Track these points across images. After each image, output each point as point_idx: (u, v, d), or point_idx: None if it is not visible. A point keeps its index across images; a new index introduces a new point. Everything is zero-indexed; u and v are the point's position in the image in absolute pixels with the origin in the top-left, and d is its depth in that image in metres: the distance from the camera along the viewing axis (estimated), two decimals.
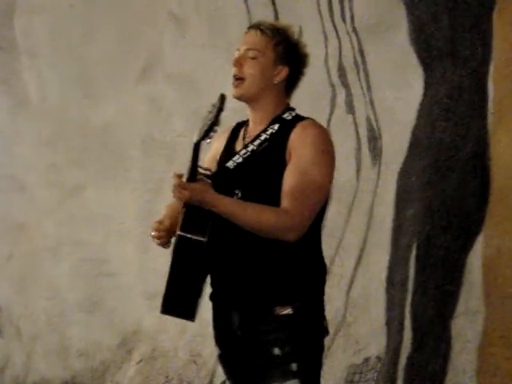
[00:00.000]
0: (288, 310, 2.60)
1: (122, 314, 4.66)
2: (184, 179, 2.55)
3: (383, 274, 3.69)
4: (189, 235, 2.52)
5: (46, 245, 4.91)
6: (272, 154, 2.62)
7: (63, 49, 4.76)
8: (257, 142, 2.66)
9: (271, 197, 2.59)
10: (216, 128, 2.56)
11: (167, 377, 4.45)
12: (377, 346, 3.63)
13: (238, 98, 2.71)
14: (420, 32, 3.63)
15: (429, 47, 3.60)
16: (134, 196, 4.65)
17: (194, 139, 2.54)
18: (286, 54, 2.67)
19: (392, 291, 3.64)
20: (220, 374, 4.20)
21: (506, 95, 3.40)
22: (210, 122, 2.53)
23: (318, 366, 2.67)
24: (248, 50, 2.68)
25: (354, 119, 3.92)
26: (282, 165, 2.60)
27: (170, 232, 2.67)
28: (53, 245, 4.88)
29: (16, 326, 4.99)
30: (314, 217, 2.61)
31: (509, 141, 3.38)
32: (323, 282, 2.70)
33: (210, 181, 2.56)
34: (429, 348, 3.37)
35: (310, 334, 2.63)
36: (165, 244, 2.71)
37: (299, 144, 2.60)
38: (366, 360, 3.66)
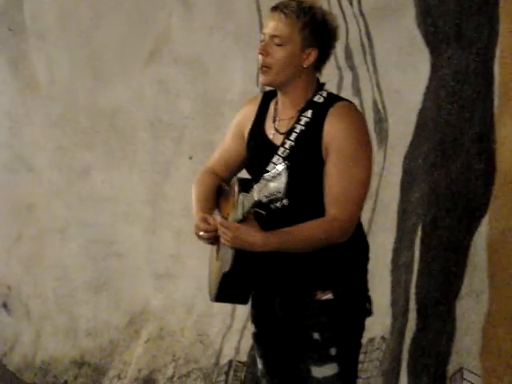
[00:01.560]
0: (329, 296, 2.58)
1: (129, 295, 4.70)
2: (232, 218, 2.49)
3: (388, 256, 3.71)
4: (243, 265, 2.49)
5: (55, 226, 4.94)
6: (309, 150, 2.53)
7: (72, 31, 4.78)
8: (293, 137, 2.56)
9: (315, 203, 2.53)
10: (282, 201, 2.48)
11: (174, 356, 4.49)
12: (382, 326, 3.66)
13: (266, 85, 2.62)
14: (427, 15, 3.63)
15: (435, 30, 3.60)
16: (141, 178, 4.68)
17: (257, 197, 2.37)
18: (314, 35, 2.56)
19: (397, 273, 3.66)
20: (226, 353, 4.24)
21: None
22: (278, 195, 2.34)
23: (356, 349, 2.66)
24: (273, 36, 2.56)
25: (361, 102, 3.93)
26: (320, 162, 2.52)
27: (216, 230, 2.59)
28: (61, 226, 4.92)
29: (25, 305, 5.03)
30: (361, 212, 2.57)
31: None
32: (366, 261, 2.66)
33: (263, 212, 2.47)
34: (433, 329, 3.39)
35: (349, 320, 2.61)
36: (214, 243, 2.65)
37: (336, 138, 2.50)
38: (371, 340, 3.69)
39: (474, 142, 3.47)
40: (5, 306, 5.10)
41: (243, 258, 2.50)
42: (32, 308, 5.01)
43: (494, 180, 3.37)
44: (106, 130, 4.77)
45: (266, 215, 2.49)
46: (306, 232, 2.50)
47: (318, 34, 2.57)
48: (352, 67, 3.95)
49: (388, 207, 3.80)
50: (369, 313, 2.67)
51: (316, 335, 2.58)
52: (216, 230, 2.57)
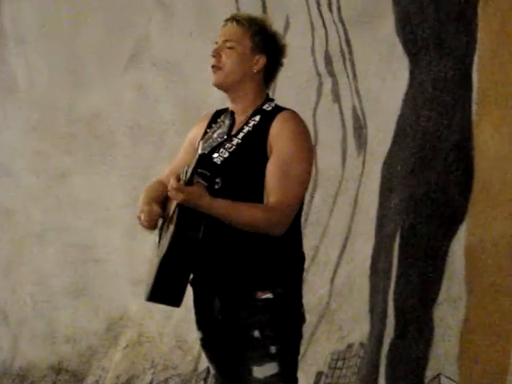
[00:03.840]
0: (268, 295, 2.65)
1: (108, 300, 4.68)
2: (181, 181, 2.58)
3: (367, 262, 3.73)
4: (185, 232, 2.57)
5: (33, 231, 4.92)
6: (254, 148, 2.67)
7: (51, 35, 4.77)
8: (240, 135, 2.70)
9: (249, 189, 2.65)
10: (227, 144, 2.60)
11: (153, 362, 4.48)
12: (360, 332, 3.67)
13: (218, 86, 2.75)
14: (406, 23, 3.65)
15: (414, 38, 3.63)
16: (121, 183, 4.67)
17: (200, 150, 2.53)
18: (264, 43, 2.72)
19: (375, 279, 3.67)
20: (205, 359, 4.23)
21: (490, 86, 3.43)
22: (220, 140, 2.55)
23: (296, 350, 2.72)
24: (225, 41, 2.73)
25: (340, 108, 3.94)
26: (264, 159, 2.66)
27: (159, 216, 2.72)
28: (39, 231, 4.90)
29: (3, 310, 5.01)
30: (298, 208, 2.68)
31: (492, 131, 3.41)
32: (302, 270, 2.76)
33: (205, 183, 2.60)
34: (411, 335, 3.41)
35: (289, 319, 2.69)
36: (153, 228, 2.75)
37: (279, 139, 2.66)
38: (350, 346, 3.70)
39: (453, 149, 3.49)
40: None
41: (182, 233, 2.56)
42: (10, 314, 4.98)
43: (472, 187, 3.40)
44: (85, 134, 4.76)
45: (208, 187, 2.59)
46: (249, 209, 2.62)
47: (267, 43, 2.74)
48: (332, 73, 3.97)
49: (367, 213, 3.81)
50: (303, 319, 2.75)
51: (256, 333, 2.64)
52: (158, 217, 2.70)
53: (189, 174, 2.56)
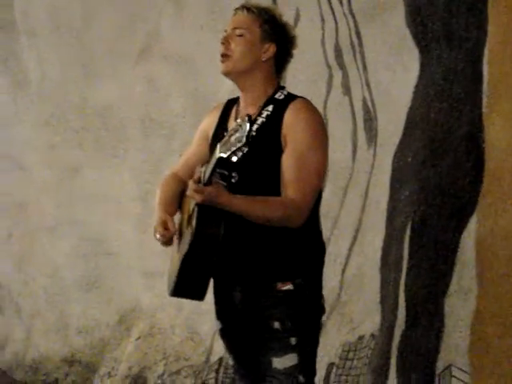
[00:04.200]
0: (289, 286, 2.65)
1: (120, 293, 4.70)
2: (201, 183, 2.58)
3: (378, 254, 3.73)
4: (206, 230, 2.58)
5: (45, 224, 4.94)
6: (269, 140, 2.65)
7: (62, 29, 4.78)
8: (255, 127, 2.66)
9: (266, 181, 2.65)
10: (244, 149, 2.55)
11: (165, 353, 4.50)
12: (371, 324, 3.68)
13: (226, 75, 2.73)
14: (416, 15, 3.65)
15: (425, 30, 3.62)
16: (132, 176, 4.68)
17: (220, 153, 2.49)
18: (273, 31, 2.70)
19: (386, 271, 3.68)
20: (217, 350, 4.26)
21: (500, 78, 3.42)
22: (239, 144, 2.48)
23: (315, 341, 2.73)
24: (235, 28, 2.71)
25: (350, 100, 3.94)
26: (278, 150, 2.64)
27: (174, 234, 2.72)
28: (52, 224, 4.92)
29: (16, 303, 5.04)
30: (314, 201, 2.67)
31: (503, 123, 3.40)
32: (322, 262, 2.75)
33: (224, 183, 2.60)
34: (422, 326, 3.41)
35: (309, 311, 2.69)
36: (168, 244, 2.75)
37: (293, 129, 2.63)
38: (361, 338, 3.71)
39: (463, 141, 3.49)
40: None
41: (203, 231, 2.57)
42: (23, 306, 5.01)
43: (483, 179, 3.40)
44: (97, 128, 4.78)
45: (227, 186, 2.59)
46: (267, 203, 2.61)
47: (277, 32, 2.72)
48: (342, 66, 3.97)
49: (377, 205, 3.81)
50: (323, 310, 2.75)
51: (276, 324, 2.64)
52: (172, 236, 2.70)
53: (207, 175, 2.56)
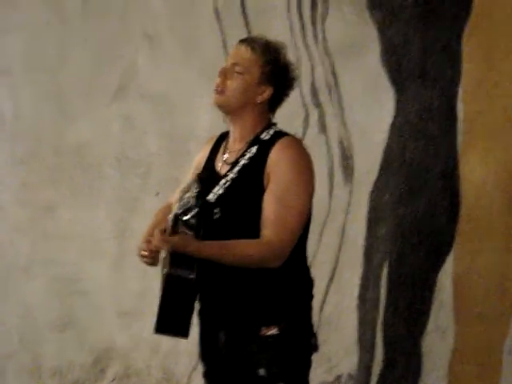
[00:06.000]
0: (273, 331, 2.58)
1: (94, 333, 4.65)
2: (166, 233, 2.56)
3: (355, 292, 3.72)
4: (178, 274, 2.56)
5: (19, 263, 4.89)
6: (251, 179, 2.60)
7: (38, 67, 4.77)
8: (236, 169, 2.63)
9: (248, 217, 2.59)
10: (194, 210, 2.56)
11: None
12: (349, 363, 3.65)
13: (217, 107, 2.69)
14: (391, 53, 3.68)
15: (400, 68, 3.65)
16: (108, 214, 4.65)
17: (175, 211, 2.56)
18: (273, 74, 2.64)
19: (364, 309, 3.67)
20: None
21: (475, 116, 3.46)
22: (189, 206, 2.52)
23: (304, 381, 2.65)
24: (235, 64, 2.65)
25: (327, 139, 3.95)
26: (261, 188, 2.58)
27: (158, 252, 2.65)
28: (25, 263, 4.87)
29: None
30: (296, 241, 2.60)
31: (478, 161, 3.43)
32: (310, 298, 2.69)
33: (190, 232, 2.57)
34: (400, 365, 3.40)
35: (296, 354, 2.61)
36: (154, 264, 2.70)
37: (277, 167, 2.57)
38: (338, 377, 3.68)
39: (439, 179, 3.51)
40: None
41: (175, 275, 2.55)
42: None
43: (459, 217, 3.41)
44: (72, 166, 4.75)
45: (195, 234, 2.57)
46: (240, 246, 2.55)
47: (277, 75, 2.65)
48: (318, 105, 3.98)
49: (354, 243, 3.81)
50: (314, 348, 2.68)
51: (262, 371, 2.57)
52: (157, 252, 2.65)
53: (169, 230, 2.56)
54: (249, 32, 4.10)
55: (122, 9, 4.53)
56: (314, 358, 3.73)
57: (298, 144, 2.65)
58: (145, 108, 4.57)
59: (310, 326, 2.67)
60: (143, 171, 4.57)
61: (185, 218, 2.54)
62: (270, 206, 2.55)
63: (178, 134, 4.44)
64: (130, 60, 4.56)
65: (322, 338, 3.87)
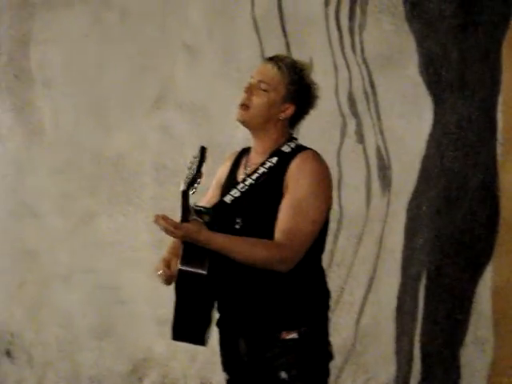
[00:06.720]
0: (294, 335, 2.64)
1: (133, 341, 4.67)
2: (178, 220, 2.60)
3: (393, 303, 3.70)
4: (189, 269, 2.59)
5: (58, 272, 4.93)
6: (269, 186, 2.67)
7: (77, 78, 4.82)
8: (255, 176, 2.71)
9: (269, 227, 2.64)
10: (199, 180, 2.61)
11: None
12: (386, 374, 3.64)
13: (241, 122, 2.76)
14: (430, 64, 3.67)
15: (438, 79, 3.64)
16: (146, 224, 4.68)
17: (181, 188, 2.61)
18: (297, 93, 2.72)
19: (401, 320, 3.65)
20: None
21: None
22: (191, 176, 2.59)
23: None
24: (261, 81, 2.72)
25: (364, 149, 3.95)
26: (279, 196, 2.65)
27: (173, 276, 2.71)
28: (65, 272, 4.91)
29: (28, 352, 5.01)
30: (307, 248, 2.64)
31: None
32: (327, 308, 2.74)
33: (201, 220, 2.62)
34: (438, 377, 3.38)
35: (315, 358, 2.67)
36: (169, 282, 2.76)
37: (296, 176, 2.64)
38: None
39: (478, 189, 3.48)
40: (8, 353, 5.07)
41: (186, 271, 2.58)
42: (35, 355, 4.98)
43: (498, 227, 3.38)
44: (111, 176, 4.79)
45: (205, 222, 2.62)
46: (250, 243, 2.60)
47: (301, 94, 2.74)
48: (355, 114, 3.98)
49: (392, 254, 3.80)
50: (331, 356, 2.72)
51: (283, 374, 2.63)
52: (172, 275, 2.70)
53: (180, 212, 2.59)
54: (287, 43, 4.12)
55: (161, 20, 4.57)
56: (352, 368, 3.72)
57: (318, 157, 2.71)
58: (182, 118, 4.59)
59: (327, 333, 2.73)
60: (180, 181, 4.59)
61: (191, 190, 2.57)
62: (285, 212, 2.62)
63: (215, 143, 4.46)
64: (168, 71, 4.60)
65: (359, 348, 3.87)
